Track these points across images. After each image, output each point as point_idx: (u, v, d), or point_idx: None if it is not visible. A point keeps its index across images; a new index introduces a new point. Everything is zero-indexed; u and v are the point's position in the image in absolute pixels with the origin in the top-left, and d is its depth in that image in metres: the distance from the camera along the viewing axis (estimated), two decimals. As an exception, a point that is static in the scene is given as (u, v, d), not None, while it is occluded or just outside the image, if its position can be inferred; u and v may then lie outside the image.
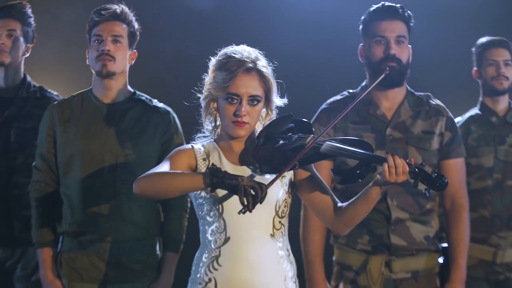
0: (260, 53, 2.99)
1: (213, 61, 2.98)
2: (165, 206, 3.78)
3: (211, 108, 3.01)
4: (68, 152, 3.72)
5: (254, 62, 2.91)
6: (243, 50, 2.95)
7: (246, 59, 2.90)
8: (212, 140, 3.03)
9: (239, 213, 2.66)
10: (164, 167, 2.90)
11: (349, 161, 3.33)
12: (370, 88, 3.05)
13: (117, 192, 3.65)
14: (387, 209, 3.72)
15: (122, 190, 3.64)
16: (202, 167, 2.95)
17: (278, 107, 3.06)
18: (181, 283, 3.37)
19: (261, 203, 2.66)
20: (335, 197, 3.03)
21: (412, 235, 3.74)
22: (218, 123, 3.04)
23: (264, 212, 2.91)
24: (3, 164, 4.04)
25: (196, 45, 5.41)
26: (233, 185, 2.65)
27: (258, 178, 2.87)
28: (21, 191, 4.02)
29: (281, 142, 2.95)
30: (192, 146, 3.01)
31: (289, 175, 3.01)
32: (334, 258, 3.91)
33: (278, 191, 2.97)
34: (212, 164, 2.77)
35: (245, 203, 2.63)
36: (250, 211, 2.65)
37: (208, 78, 2.99)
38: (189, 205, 3.82)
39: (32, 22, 4.20)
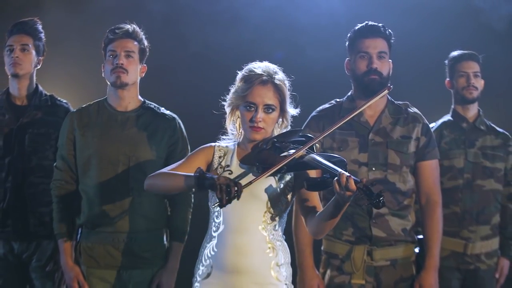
0: (280, 69, 3.24)
1: (239, 74, 3.26)
2: (172, 201, 3.93)
3: (235, 115, 3.26)
4: (86, 154, 3.88)
5: (271, 76, 3.17)
6: (263, 65, 3.23)
7: (263, 73, 3.18)
8: (236, 142, 3.29)
9: (214, 206, 2.95)
10: (178, 164, 3.20)
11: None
12: (369, 103, 3.23)
13: (130, 189, 3.82)
14: (369, 205, 3.94)
15: (134, 187, 3.80)
16: (216, 163, 3.23)
17: (294, 117, 3.28)
18: (186, 270, 3.59)
19: (237, 199, 2.90)
20: (319, 206, 3.19)
21: (391, 228, 3.89)
22: (240, 129, 3.28)
23: (255, 207, 3.15)
24: (19, 166, 4.20)
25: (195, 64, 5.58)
26: (211, 184, 2.92)
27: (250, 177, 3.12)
28: (35, 190, 4.20)
29: (277, 149, 3.16)
30: (214, 144, 3.28)
31: (289, 177, 3.22)
32: (322, 247, 4.04)
33: (271, 190, 3.18)
34: (198, 168, 3.02)
35: (220, 198, 2.87)
36: (224, 206, 2.90)
37: (233, 88, 3.25)
38: (193, 200, 3.98)
39: (43, 37, 4.34)
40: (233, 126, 3.33)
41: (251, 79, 3.18)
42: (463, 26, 5.76)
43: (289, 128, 3.30)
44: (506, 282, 4.76)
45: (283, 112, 3.24)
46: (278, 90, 3.19)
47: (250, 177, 3.13)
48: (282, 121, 3.28)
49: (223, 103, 3.31)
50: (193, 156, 3.27)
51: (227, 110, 3.29)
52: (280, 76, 3.22)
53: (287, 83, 3.24)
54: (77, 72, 5.82)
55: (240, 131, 3.31)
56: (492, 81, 4.92)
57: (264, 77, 3.17)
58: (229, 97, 3.27)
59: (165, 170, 3.21)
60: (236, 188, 2.89)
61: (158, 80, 5.11)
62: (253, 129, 3.17)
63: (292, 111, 3.27)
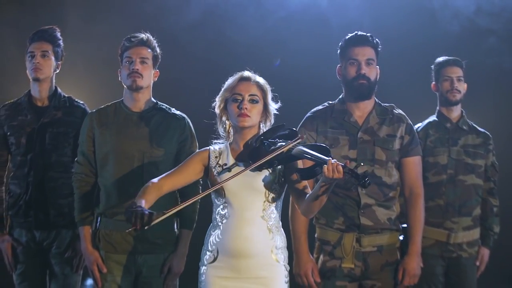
0: (257, 74, 3.58)
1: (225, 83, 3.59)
2: (182, 193, 4.03)
3: (225, 115, 3.56)
4: (104, 150, 4.07)
5: (252, 75, 3.53)
6: (245, 71, 3.58)
7: (245, 73, 3.54)
8: (228, 143, 3.57)
9: (127, 231, 3.26)
10: (179, 166, 3.57)
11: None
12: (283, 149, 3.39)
13: (144, 181, 3.79)
14: (357, 196, 4.04)
15: (148, 179, 3.70)
16: (213, 163, 3.52)
17: (277, 115, 3.55)
18: (194, 254, 3.79)
19: (148, 226, 3.17)
20: (308, 190, 3.46)
21: (377, 217, 4.06)
22: (230, 132, 3.57)
23: (256, 198, 3.46)
24: (40, 162, 4.40)
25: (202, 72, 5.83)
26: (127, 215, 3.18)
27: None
28: (55, 184, 4.40)
29: (266, 145, 3.42)
30: (209, 148, 3.57)
31: (279, 168, 3.50)
32: (316, 235, 4.21)
33: (267, 181, 3.46)
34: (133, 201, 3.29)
35: (133, 224, 3.15)
36: (138, 230, 3.19)
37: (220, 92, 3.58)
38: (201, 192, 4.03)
39: (61, 44, 4.51)
40: (223, 130, 3.60)
41: (235, 78, 3.52)
42: (451, 32, 5.96)
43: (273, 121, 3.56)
44: (486, 270, 4.92)
45: (266, 106, 3.54)
46: (259, 85, 3.52)
47: (247, 172, 3.36)
48: (266, 116, 3.56)
49: (213, 105, 3.59)
50: (191, 159, 3.58)
51: (218, 109, 3.57)
52: (260, 78, 3.55)
53: (263, 81, 3.55)
54: (92, 76, 6.02)
55: (230, 130, 3.59)
56: (474, 85, 5.08)
57: (247, 75, 3.52)
58: (218, 97, 3.58)
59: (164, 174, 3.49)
60: (146, 219, 3.21)
61: (169, 84, 5.18)
62: (241, 116, 3.46)
63: (274, 105, 3.56)
